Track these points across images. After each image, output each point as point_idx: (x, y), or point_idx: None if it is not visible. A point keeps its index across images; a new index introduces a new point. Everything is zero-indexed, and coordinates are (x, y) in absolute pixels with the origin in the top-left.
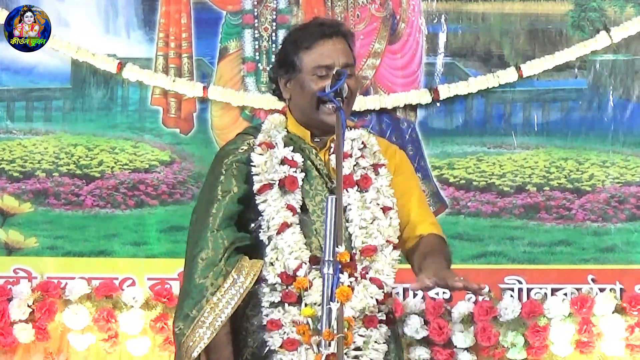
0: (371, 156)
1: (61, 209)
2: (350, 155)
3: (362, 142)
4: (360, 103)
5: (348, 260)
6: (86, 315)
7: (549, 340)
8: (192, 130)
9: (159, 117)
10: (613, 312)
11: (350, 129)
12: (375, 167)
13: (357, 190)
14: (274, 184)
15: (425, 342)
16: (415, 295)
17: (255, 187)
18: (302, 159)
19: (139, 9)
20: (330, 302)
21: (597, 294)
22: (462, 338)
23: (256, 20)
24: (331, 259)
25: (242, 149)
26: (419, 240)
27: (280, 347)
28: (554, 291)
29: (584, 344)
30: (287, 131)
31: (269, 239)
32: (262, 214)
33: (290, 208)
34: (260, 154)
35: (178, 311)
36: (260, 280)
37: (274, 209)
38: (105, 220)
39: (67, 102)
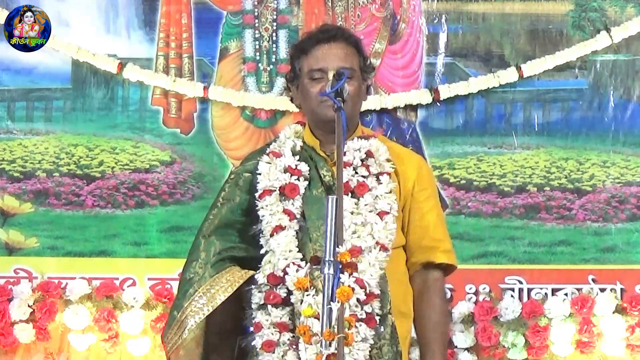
0: (376, 165)
1: (62, 209)
2: (351, 165)
3: (367, 152)
4: None
5: (348, 260)
6: (87, 316)
7: (550, 341)
8: (192, 131)
9: (159, 117)
10: (613, 312)
11: (359, 139)
12: (379, 175)
13: (351, 197)
14: (274, 190)
15: None
16: None
17: (257, 193)
18: (308, 168)
19: (139, 9)
20: (331, 302)
21: (597, 294)
22: (462, 338)
23: (257, 21)
24: (331, 259)
25: (257, 159)
26: (424, 284)
27: (260, 348)
28: (554, 291)
29: (584, 344)
30: (303, 141)
31: (266, 242)
32: (261, 218)
33: (287, 213)
34: (267, 163)
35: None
36: (254, 283)
37: (270, 212)
38: (106, 220)
39: (68, 102)
